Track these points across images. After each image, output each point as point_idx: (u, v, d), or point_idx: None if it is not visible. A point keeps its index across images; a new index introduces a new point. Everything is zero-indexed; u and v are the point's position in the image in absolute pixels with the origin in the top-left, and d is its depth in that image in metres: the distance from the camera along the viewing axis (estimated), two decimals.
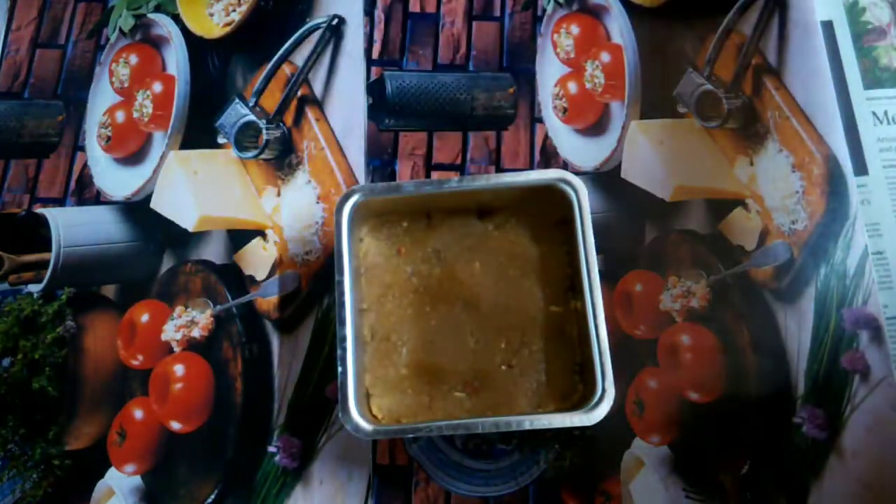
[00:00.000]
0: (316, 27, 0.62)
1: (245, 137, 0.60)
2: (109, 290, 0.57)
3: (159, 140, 0.60)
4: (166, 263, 0.57)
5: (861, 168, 0.56)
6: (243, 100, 0.60)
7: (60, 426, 0.53)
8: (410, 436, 0.51)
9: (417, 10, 0.63)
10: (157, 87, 0.62)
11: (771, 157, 0.57)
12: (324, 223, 0.57)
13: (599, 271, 0.48)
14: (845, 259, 0.54)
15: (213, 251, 0.57)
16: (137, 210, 0.59)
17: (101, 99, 0.62)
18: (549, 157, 0.58)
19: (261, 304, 0.55)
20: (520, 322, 0.49)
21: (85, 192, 0.60)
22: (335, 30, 0.62)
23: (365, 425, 0.45)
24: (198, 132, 0.60)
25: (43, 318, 0.56)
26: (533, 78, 0.60)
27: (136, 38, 0.64)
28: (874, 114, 0.58)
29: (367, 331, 0.49)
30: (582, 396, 0.47)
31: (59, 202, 0.59)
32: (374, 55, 0.62)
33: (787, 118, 0.57)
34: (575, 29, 0.61)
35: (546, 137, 0.59)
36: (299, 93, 0.61)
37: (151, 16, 0.64)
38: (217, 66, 0.62)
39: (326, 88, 0.61)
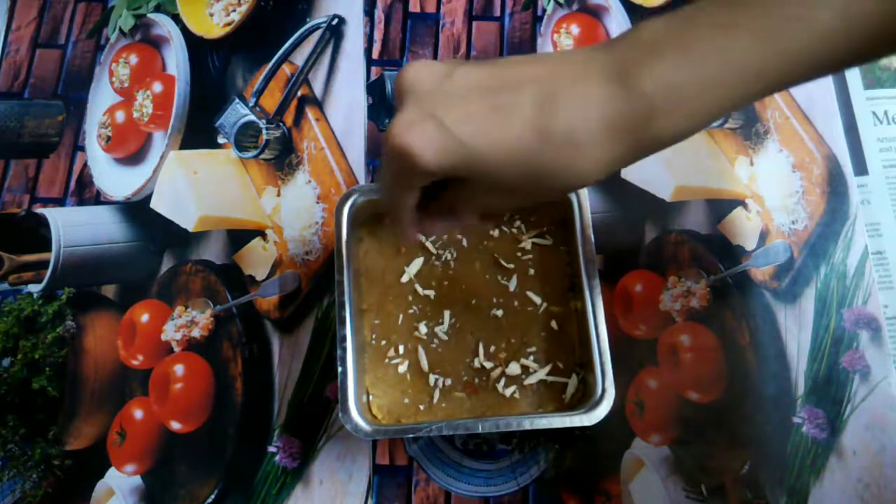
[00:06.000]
0: (316, 27, 0.62)
1: (245, 137, 0.60)
2: (109, 290, 0.57)
3: (159, 140, 0.60)
4: (166, 263, 0.57)
5: (861, 168, 0.56)
6: (243, 100, 0.60)
7: (60, 426, 0.53)
8: (410, 436, 0.51)
9: (417, 10, 0.63)
10: (157, 87, 0.62)
11: (771, 157, 0.57)
12: (324, 223, 0.57)
13: (599, 271, 0.48)
14: (845, 259, 0.54)
15: (213, 251, 0.57)
16: (137, 210, 0.59)
17: (101, 99, 0.62)
18: None
19: (261, 304, 0.55)
20: (520, 322, 0.49)
21: (85, 192, 0.60)
22: (335, 30, 0.62)
23: (365, 425, 0.45)
24: (198, 132, 0.60)
25: (43, 318, 0.56)
26: None
27: (136, 38, 0.64)
28: (874, 114, 0.58)
29: (367, 331, 0.49)
30: (582, 396, 0.47)
31: (59, 202, 0.59)
32: (374, 55, 0.62)
33: (787, 118, 0.57)
34: (575, 29, 0.61)
35: None
36: (299, 93, 0.61)
37: (151, 16, 0.64)
38: (217, 66, 0.62)
39: (326, 88, 0.61)
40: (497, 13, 0.63)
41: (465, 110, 0.33)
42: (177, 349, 0.55)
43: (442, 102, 0.33)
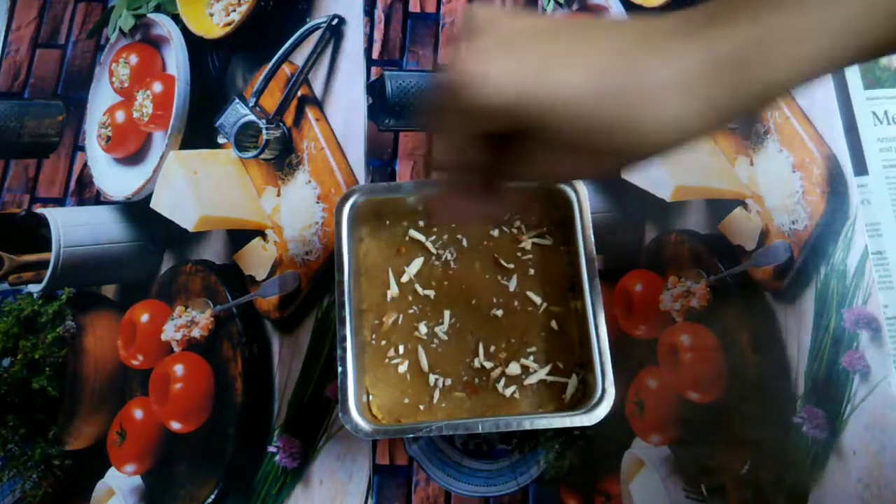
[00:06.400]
0: (316, 27, 0.62)
1: (245, 137, 0.60)
2: (109, 290, 0.57)
3: (159, 140, 0.60)
4: (166, 263, 0.57)
5: (861, 168, 0.56)
6: (243, 100, 0.60)
7: (60, 426, 0.53)
8: (410, 436, 0.51)
9: (417, 10, 0.63)
10: (157, 87, 0.62)
11: (771, 157, 0.57)
12: (324, 223, 0.57)
13: (599, 271, 0.48)
14: (845, 259, 0.54)
15: (213, 251, 0.57)
16: (137, 210, 0.59)
17: (101, 99, 0.62)
18: None
19: (261, 304, 0.55)
20: (520, 322, 0.49)
21: (85, 192, 0.60)
22: (335, 30, 0.62)
23: (365, 425, 0.45)
24: (198, 132, 0.60)
25: (43, 318, 0.56)
26: None
27: (136, 38, 0.64)
28: (874, 114, 0.58)
29: (367, 331, 0.49)
30: (582, 396, 0.47)
31: (59, 202, 0.59)
32: (374, 55, 0.62)
33: (787, 118, 0.57)
34: None
35: None
36: (299, 93, 0.61)
37: (151, 16, 0.64)
38: (217, 66, 0.62)
39: (326, 88, 0.61)
40: None
41: (544, 48, 0.31)
42: (177, 349, 0.55)
43: (520, 37, 0.31)
